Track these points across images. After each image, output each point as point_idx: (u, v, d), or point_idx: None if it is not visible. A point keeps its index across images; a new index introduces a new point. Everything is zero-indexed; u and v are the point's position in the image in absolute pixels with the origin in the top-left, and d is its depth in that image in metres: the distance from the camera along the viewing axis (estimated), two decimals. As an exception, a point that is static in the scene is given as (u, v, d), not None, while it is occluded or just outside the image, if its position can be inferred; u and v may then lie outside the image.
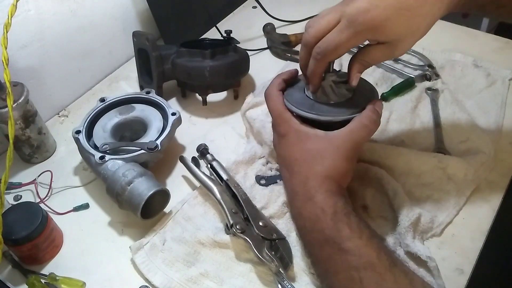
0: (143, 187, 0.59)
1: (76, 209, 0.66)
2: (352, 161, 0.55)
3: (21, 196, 0.68)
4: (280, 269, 0.55)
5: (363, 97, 0.58)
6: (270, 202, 0.63)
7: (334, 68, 0.59)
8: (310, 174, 0.54)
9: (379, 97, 0.60)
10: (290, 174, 0.57)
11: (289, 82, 0.62)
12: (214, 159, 0.68)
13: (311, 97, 0.59)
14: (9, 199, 0.66)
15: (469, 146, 0.67)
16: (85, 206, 0.66)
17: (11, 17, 0.59)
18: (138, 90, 0.86)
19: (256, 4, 0.96)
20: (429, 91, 0.77)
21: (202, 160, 0.70)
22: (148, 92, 0.74)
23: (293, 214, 0.58)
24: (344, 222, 0.49)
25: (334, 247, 0.48)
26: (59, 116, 0.83)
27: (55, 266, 0.59)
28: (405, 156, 0.64)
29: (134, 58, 0.85)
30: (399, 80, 0.80)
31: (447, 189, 0.62)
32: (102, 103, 0.72)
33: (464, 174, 0.63)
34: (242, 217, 0.60)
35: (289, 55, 0.90)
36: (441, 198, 0.61)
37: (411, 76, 0.80)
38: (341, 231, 0.48)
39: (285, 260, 0.55)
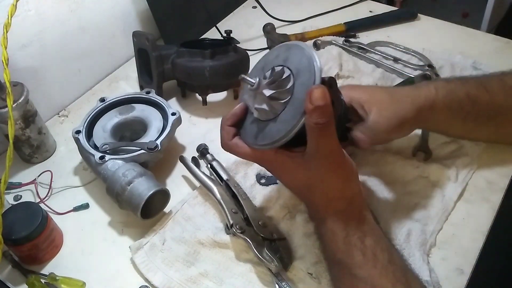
0: (143, 187, 0.59)
1: (76, 209, 0.66)
2: (346, 172, 0.49)
3: (21, 196, 0.68)
4: (280, 270, 0.55)
5: (303, 89, 0.44)
6: (270, 202, 0.63)
7: (262, 77, 0.48)
8: (314, 200, 0.50)
9: (318, 75, 0.44)
10: (299, 198, 0.57)
11: (237, 122, 0.53)
12: (214, 159, 0.68)
13: (259, 117, 0.49)
14: (9, 199, 0.66)
15: (453, 147, 0.68)
16: (85, 206, 0.66)
17: (11, 17, 0.58)
18: (138, 90, 0.86)
19: (256, 4, 0.96)
20: (428, 91, 0.77)
21: (202, 160, 0.70)
22: (148, 92, 0.74)
23: (314, 228, 0.58)
24: (357, 248, 0.46)
25: (345, 271, 0.46)
26: (59, 116, 0.83)
27: (55, 266, 0.59)
28: (391, 165, 0.65)
29: (134, 58, 0.85)
30: (399, 80, 0.80)
31: (433, 195, 0.62)
32: (102, 103, 0.72)
33: (448, 179, 0.63)
34: (242, 217, 0.60)
35: (289, 55, 0.90)
36: (428, 204, 0.61)
37: (411, 76, 0.80)
38: (354, 257, 0.46)
39: (285, 260, 0.55)
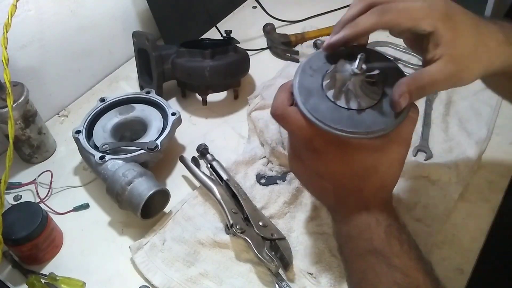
0: (143, 187, 0.59)
1: (76, 209, 0.66)
2: (404, 163, 0.49)
3: (21, 196, 0.68)
4: (280, 269, 0.55)
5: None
6: (270, 202, 0.63)
7: (363, 66, 0.45)
8: (364, 186, 0.48)
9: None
10: (336, 187, 0.50)
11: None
12: (214, 159, 0.68)
13: (341, 104, 0.46)
14: (9, 199, 0.66)
15: (453, 147, 0.68)
16: (85, 206, 0.66)
17: (11, 17, 0.59)
18: (138, 90, 0.86)
19: (256, 4, 0.96)
20: (428, 91, 0.78)
21: (202, 160, 0.70)
22: (148, 92, 0.74)
23: (337, 219, 0.53)
24: (396, 238, 0.46)
25: (379, 260, 0.45)
26: (59, 116, 0.83)
27: (55, 266, 0.59)
28: None
29: (134, 58, 0.85)
30: (399, 80, 0.80)
31: (434, 195, 0.62)
32: (102, 103, 0.72)
33: (448, 178, 0.63)
34: (242, 217, 0.60)
35: (289, 55, 0.90)
36: (429, 204, 0.61)
37: (411, 76, 0.80)
38: (393, 247, 0.45)
39: (285, 260, 0.55)
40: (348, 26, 0.46)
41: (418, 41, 0.48)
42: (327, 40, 0.48)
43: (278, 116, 0.49)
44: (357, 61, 0.45)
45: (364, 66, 0.45)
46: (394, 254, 0.45)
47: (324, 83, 0.47)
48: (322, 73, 0.48)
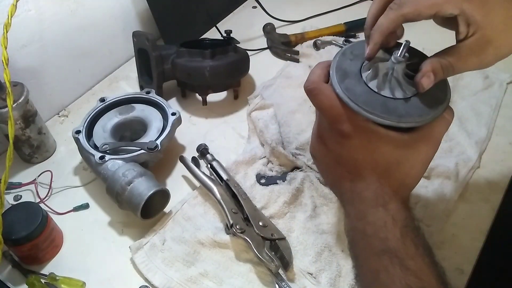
0: (143, 187, 0.59)
1: (76, 209, 0.66)
2: (428, 164, 0.48)
3: (21, 196, 0.68)
4: (280, 269, 0.55)
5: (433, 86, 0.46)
6: (270, 202, 0.63)
7: (406, 54, 0.45)
8: (385, 181, 0.47)
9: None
10: (355, 177, 0.48)
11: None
12: (214, 159, 0.68)
13: (377, 90, 0.46)
14: (9, 199, 0.66)
15: (453, 147, 0.68)
16: (85, 206, 0.66)
17: (11, 17, 0.59)
18: (138, 90, 0.86)
19: (256, 4, 0.96)
20: (428, 91, 0.78)
21: (202, 160, 0.70)
22: (148, 92, 0.74)
23: (351, 214, 0.51)
24: (412, 240, 0.45)
25: (394, 261, 0.44)
26: (59, 116, 0.83)
27: (55, 266, 0.59)
28: None
29: (134, 58, 0.85)
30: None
31: (434, 195, 0.62)
32: (102, 103, 0.72)
33: (448, 178, 0.64)
34: (242, 217, 0.60)
35: (289, 55, 0.90)
36: (429, 204, 0.61)
37: (411, 76, 0.80)
38: (408, 248, 0.44)
39: (285, 260, 0.55)
40: (373, 32, 0.45)
41: (448, 21, 0.46)
42: (366, 52, 0.47)
43: (311, 90, 0.47)
44: (401, 47, 0.44)
45: (407, 54, 0.44)
46: (409, 256, 0.44)
47: (363, 67, 0.47)
48: (362, 59, 0.48)
